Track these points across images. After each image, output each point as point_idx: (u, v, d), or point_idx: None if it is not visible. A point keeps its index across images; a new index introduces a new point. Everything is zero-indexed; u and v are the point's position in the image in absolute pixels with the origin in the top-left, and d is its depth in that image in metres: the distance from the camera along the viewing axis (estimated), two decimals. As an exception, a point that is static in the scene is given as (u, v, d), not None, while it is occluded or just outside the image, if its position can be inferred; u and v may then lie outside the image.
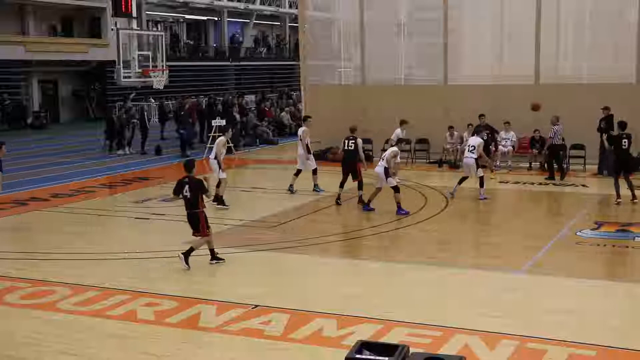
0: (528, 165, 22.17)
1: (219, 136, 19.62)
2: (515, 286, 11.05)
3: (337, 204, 16.86)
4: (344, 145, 17.01)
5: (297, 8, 31.53)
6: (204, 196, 12.03)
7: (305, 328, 9.14)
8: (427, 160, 23.40)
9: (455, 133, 22.74)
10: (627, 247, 13.05)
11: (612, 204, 16.62)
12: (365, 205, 16.22)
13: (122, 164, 24.76)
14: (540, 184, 19.70)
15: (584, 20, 23.07)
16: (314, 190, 18.39)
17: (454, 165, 22.48)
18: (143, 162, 25.38)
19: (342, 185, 17.00)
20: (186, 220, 12.18)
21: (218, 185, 16.75)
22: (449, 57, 23.87)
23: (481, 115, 21.39)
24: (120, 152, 27.46)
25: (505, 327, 9.04)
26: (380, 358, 5.75)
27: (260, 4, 56.29)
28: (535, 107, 20.23)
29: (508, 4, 24.00)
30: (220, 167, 16.77)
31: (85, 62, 41.44)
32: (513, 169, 21.91)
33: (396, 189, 15.75)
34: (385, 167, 15.74)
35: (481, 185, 17.24)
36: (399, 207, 15.73)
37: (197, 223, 11.98)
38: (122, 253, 12.88)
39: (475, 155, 17.01)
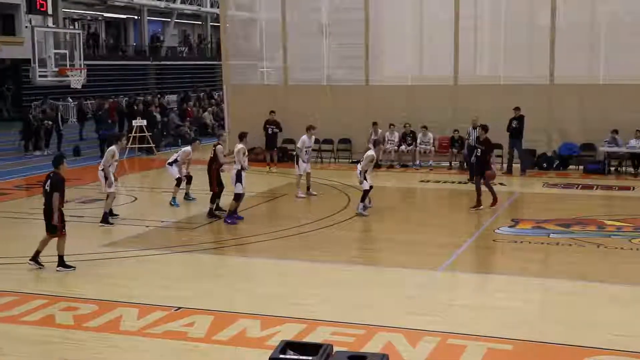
0: (448, 164, 22.62)
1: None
2: (436, 284, 11.28)
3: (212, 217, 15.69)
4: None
5: (218, 7, 31.29)
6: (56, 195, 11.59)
7: (229, 329, 9.10)
8: (350, 160, 23.59)
9: (380, 130, 23.01)
10: (542, 243, 13.45)
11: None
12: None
13: (38, 164, 24.08)
14: (460, 182, 20.12)
15: (500, 23, 23.66)
16: (170, 203, 16.97)
17: (376, 165, 22.72)
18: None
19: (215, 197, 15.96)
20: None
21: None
22: (371, 58, 24.13)
23: (271, 112, 21.95)
24: (37, 152, 26.74)
25: (427, 324, 9.20)
26: (304, 358, 5.77)
27: (181, 3, 55.69)
28: None
29: (427, 6, 24.40)
30: (106, 180, 15.01)
31: (-1, 60, 40.15)
32: (434, 168, 22.32)
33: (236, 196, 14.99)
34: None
35: (362, 199, 16.02)
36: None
37: (51, 222, 11.65)
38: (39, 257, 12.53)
39: (360, 168, 16.05)
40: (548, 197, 18.26)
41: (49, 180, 11.74)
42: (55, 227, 11.67)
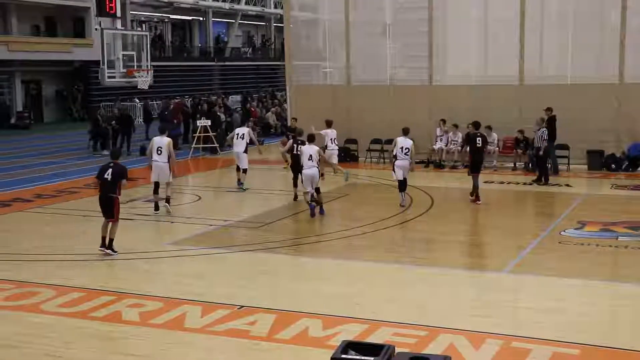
0: (512, 165, 22.28)
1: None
2: (500, 286, 11.12)
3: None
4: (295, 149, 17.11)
5: (282, 8, 31.50)
6: (122, 182, 12.83)
7: (291, 328, 9.14)
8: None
9: (446, 128, 22.89)
10: (610, 246, 13.12)
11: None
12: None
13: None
14: (525, 184, 19.79)
15: (567, 21, 23.19)
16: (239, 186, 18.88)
17: (439, 165, 22.63)
18: (128, 162, 25.19)
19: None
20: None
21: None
22: (434, 57, 23.95)
23: (293, 119, 22.72)
24: (105, 152, 27.27)
25: (490, 326, 9.08)
26: (366, 358, 5.76)
27: (246, 4, 56.25)
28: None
29: (492, 5, 24.09)
30: (171, 171, 16.26)
31: (69, 62, 41.26)
32: (498, 169, 22.01)
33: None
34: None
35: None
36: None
37: (112, 208, 12.63)
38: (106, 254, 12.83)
39: (409, 158, 16.45)
40: (616, 199, 17.81)
41: (110, 169, 12.70)
42: (113, 212, 12.63)
